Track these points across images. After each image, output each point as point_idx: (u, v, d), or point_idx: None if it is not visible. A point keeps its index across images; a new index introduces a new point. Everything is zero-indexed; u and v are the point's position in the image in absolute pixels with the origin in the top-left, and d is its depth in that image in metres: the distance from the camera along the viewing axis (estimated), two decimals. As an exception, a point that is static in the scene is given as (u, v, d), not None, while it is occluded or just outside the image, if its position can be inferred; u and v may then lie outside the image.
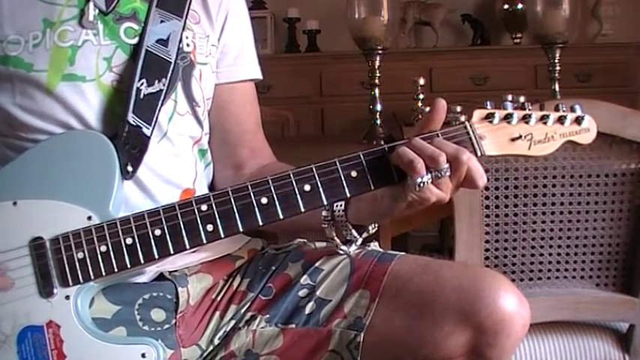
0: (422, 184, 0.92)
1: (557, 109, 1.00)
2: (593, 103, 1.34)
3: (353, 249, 1.07)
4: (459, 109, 2.15)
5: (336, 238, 1.06)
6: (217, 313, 1.10)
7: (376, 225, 1.05)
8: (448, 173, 0.93)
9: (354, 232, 1.04)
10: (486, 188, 1.41)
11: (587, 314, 1.47)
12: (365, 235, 1.05)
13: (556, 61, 2.26)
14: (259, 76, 1.25)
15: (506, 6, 4.01)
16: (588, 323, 1.50)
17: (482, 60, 3.91)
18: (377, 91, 2.29)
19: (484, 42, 4.13)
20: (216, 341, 1.08)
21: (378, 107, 2.28)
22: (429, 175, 0.92)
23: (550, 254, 1.46)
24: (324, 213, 1.04)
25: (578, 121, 1.00)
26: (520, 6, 3.88)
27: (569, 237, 1.45)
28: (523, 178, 1.42)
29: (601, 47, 3.97)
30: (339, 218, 1.04)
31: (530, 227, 1.44)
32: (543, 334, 1.49)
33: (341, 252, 1.08)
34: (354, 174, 0.95)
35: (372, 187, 0.96)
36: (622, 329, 1.50)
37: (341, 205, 1.03)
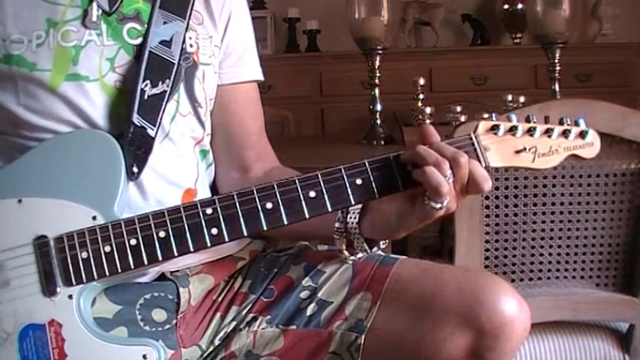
0: (442, 208, 0.93)
1: (561, 123, 1.01)
2: (593, 103, 1.34)
3: (359, 256, 1.07)
4: (458, 109, 2.15)
5: (344, 251, 1.06)
6: (218, 314, 1.10)
7: (387, 241, 1.05)
8: (451, 179, 0.93)
9: (365, 245, 1.04)
10: (486, 188, 1.41)
11: (587, 314, 1.47)
12: (375, 249, 1.05)
13: (556, 61, 2.26)
14: (261, 77, 1.25)
15: (506, 6, 4.02)
16: (588, 323, 1.50)
17: (482, 60, 3.91)
18: (377, 91, 2.29)
19: (484, 42, 4.13)
20: (217, 342, 1.08)
21: (378, 107, 2.28)
22: (449, 198, 0.92)
23: (550, 254, 1.46)
24: (337, 225, 1.04)
25: (582, 135, 1.01)
26: (520, 6, 3.88)
27: (569, 237, 1.45)
28: (523, 179, 1.42)
29: (601, 47, 3.97)
30: (352, 230, 1.03)
31: (530, 227, 1.44)
32: (543, 334, 1.49)
33: (349, 263, 1.08)
34: (359, 182, 0.95)
35: (377, 196, 0.96)
36: (622, 329, 1.50)
37: (355, 218, 1.03)
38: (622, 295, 1.46)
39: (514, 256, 1.45)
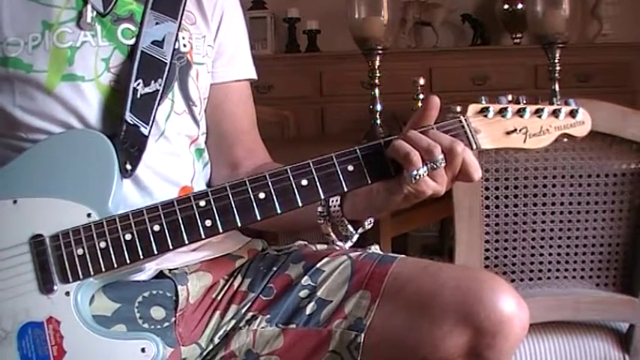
0: (418, 177, 0.93)
1: (551, 103, 1.01)
2: (593, 103, 1.33)
3: (349, 245, 1.07)
4: (458, 108, 2.14)
5: (332, 233, 1.06)
6: (217, 313, 1.10)
7: (372, 220, 1.06)
8: (443, 164, 0.93)
9: (350, 227, 1.05)
10: (486, 188, 1.42)
11: (587, 314, 1.47)
12: (361, 230, 1.06)
13: (556, 61, 2.26)
14: (254, 76, 1.26)
15: (506, 6, 4.02)
16: (588, 323, 1.50)
17: (482, 60, 3.91)
18: (377, 91, 2.28)
19: (484, 42, 4.13)
20: (217, 340, 1.09)
21: (378, 107, 2.28)
22: (425, 168, 0.93)
23: (550, 254, 1.46)
24: (319, 209, 1.05)
25: (572, 114, 1.01)
26: (520, 6, 3.88)
27: (569, 237, 1.45)
28: (523, 179, 1.42)
29: (601, 47, 3.97)
30: (335, 214, 1.04)
31: (530, 227, 1.44)
32: (543, 334, 1.49)
33: (337, 247, 1.08)
34: (350, 168, 0.96)
35: (369, 181, 0.96)
36: (622, 329, 1.50)
37: (337, 201, 1.04)
38: (622, 295, 1.46)
39: (514, 256, 1.45)
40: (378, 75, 2.27)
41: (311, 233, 1.14)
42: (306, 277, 1.09)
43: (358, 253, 1.10)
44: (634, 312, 1.45)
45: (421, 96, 2.52)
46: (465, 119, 0.98)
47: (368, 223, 1.05)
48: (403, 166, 0.94)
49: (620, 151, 1.41)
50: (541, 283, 1.47)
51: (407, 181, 0.94)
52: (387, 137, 0.97)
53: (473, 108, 0.99)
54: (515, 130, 0.99)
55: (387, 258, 1.08)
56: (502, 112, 0.99)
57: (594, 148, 1.40)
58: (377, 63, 2.26)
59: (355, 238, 1.07)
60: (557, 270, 1.47)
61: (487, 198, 1.42)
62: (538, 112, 0.99)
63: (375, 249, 1.13)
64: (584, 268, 1.47)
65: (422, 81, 2.55)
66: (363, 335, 1.01)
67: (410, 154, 0.92)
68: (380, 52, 2.25)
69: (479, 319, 0.95)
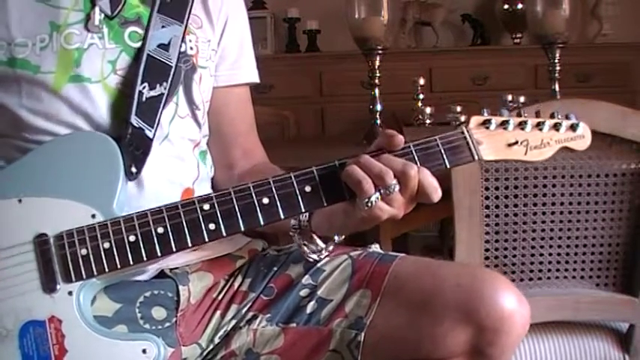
0: (370, 204, 0.92)
1: (552, 117, 1.03)
2: (593, 103, 1.34)
3: (322, 256, 1.07)
4: (459, 109, 2.15)
5: (303, 246, 1.06)
6: (218, 313, 1.10)
7: (342, 236, 1.05)
8: (397, 189, 0.93)
9: (318, 241, 1.05)
10: (486, 188, 1.42)
11: (587, 314, 1.47)
12: (332, 245, 1.05)
13: (556, 61, 2.26)
14: (257, 79, 1.26)
15: (506, 6, 4.02)
16: (588, 323, 1.50)
17: (482, 60, 3.91)
18: (377, 91, 2.28)
19: (484, 42, 4.13)
20: (217, 340, 1.09)
21: (378, 107, 2.28)
22: (377, 194, 0.92)
23: (550, 254, 1.46)
24: (292, 222, 1.05)
25: (573, 127, 1.03)
26: (520, 6, 3.88)
27: (569, 237, 1.45)
28: (523, 179, 1.42)
29: (601, 47, 3.97)
30: (305, 228, 1.04)
31: (530, 227, 1.44)
32: (543, 334, 1.49)
33: (310, 259, 1.08)
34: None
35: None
36: (622, 329, 1.50)
37: (305, 215, 1.04)
38: (622, 295, 1.46)
39: (514, 256, 1.46)
40: (378, 75, 2.27)
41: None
42: (306, 277, 1.09)
43: (358, 252, 1.11)
44: (634, 312, 1.45)
45: (421, 96, 2.53)
46: (468, 131, 0.99)
47: (337, 238, 1.05)
48: (355, 193, 0.94)
49: (620, 151, 1.41)
50: (541, 283, 1.47)
51: (360, 207, 0.93)
52: (343, 159, 0.96)
53: (475, 120, 1.00)
54: (517, 142, 1.00)
55: (387, 257, 1.08)
56: (504, 124, 1.00)
57: (594, 148, 1.39)
58: (377, 63, 2.26)
59: (324, 252, 1.06)
60: (557, 270, 1.47)
61: (487, 198, 1.42)
62: (539, 125, 1.01)
63: (375, 248, 1.13)
64: (584, 268, 1.47)
65: (422, 81, 2.56)
66: (363, 334, 1.01)
67: (362, 183, 0.92)
68: (380, 52, 2.25)
69: (480, 316, 0.95)
